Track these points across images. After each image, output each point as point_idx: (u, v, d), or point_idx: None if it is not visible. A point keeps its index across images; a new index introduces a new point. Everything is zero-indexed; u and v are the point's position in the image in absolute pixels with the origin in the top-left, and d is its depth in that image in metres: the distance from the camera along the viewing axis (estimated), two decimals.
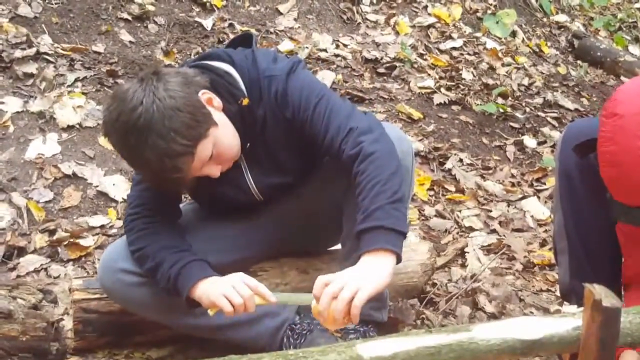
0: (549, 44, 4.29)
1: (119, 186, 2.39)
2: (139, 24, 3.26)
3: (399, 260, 1.37)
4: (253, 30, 3.37)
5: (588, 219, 1.56)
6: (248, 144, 1.56)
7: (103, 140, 2.57)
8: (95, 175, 2.42)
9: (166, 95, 1.37)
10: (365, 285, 1.31)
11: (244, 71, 1.54)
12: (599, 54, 4.11)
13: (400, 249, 1.36)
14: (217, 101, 1.49)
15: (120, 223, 2.26)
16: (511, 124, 3.37)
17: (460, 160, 2.96)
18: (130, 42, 3.14)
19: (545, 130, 3.34)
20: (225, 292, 1.42)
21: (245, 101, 1.52)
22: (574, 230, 1.59)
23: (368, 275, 1.32)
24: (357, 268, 1.35)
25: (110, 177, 2.44)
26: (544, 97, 3.64)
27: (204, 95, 1.46)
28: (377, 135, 1.46)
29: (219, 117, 1.48)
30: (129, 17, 3.22)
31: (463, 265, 2.29)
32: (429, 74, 3.56)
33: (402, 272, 1.90)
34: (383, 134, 1.48)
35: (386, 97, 3.28)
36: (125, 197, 2.33)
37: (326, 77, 3.23)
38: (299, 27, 3.60)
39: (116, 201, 2.35)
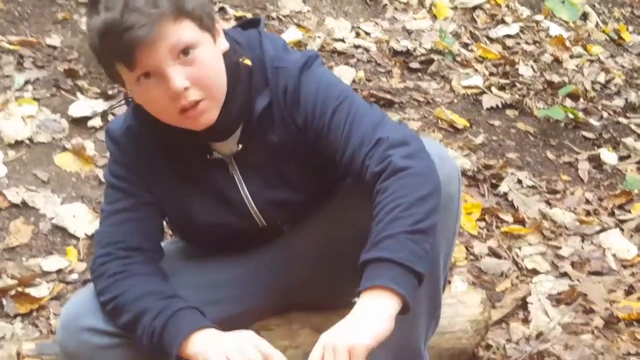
0: (630, 28, 4.36)
1: (81, 218, 2.41)
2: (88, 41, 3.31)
3: (405, 307, 1.37)
4: (249, 16, 3.42)
5: None
6: (240, 145, 1.58)
7: (60, 159, 2.60)
8: (50, 204, 2.44)
9: None
10: (357, 343, 1.34)
11: (246, 52, 1.57)
12: None
13: (408, 291, 1.36)
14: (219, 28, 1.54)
15: (82, 266, 2.27)
16: (584, 133, 3.41)
17: (519, 181, 2.98)
18: None
19: (629, 141, 3.37)
20: (230, 355, 1.43)
21: (247, 61, 1.55)
22: None
23: (360, 327, 1.35)
24: (349, 319, 1.38)
25: (69, 206, 2.46)
26: (626, 98, 3.69)
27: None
28: (412, 150, 1.48)
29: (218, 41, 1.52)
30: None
31: (525, 321, 2.30)
32: (476, 70, 3.60)
33: (447, 332, 1.90)
34: (421, 149, 1.49)
35: (421, 99, 3.34)
36: (91, 233, 2.37)
37: (344, 74, 3.29)
38: (308, 10, 3.66)
39: (77, 237, 2.37)
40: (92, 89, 2.88)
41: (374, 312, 1.36)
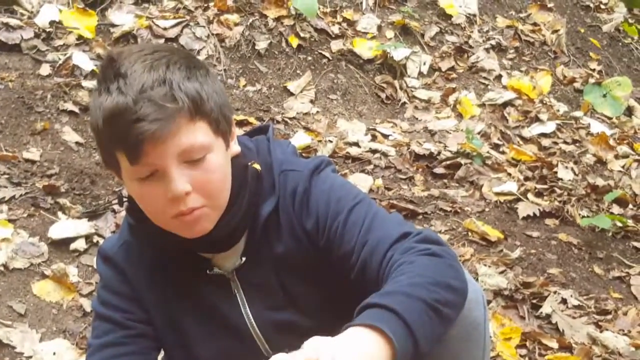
0: None
1: (63, 356, 2.47)
2: (89, 117, 3.39)
3: (393, 357, 1.37)
4: (253, 120, 3.62)
5: None
6: (243, 259, 1.67)
7: (39, 288, 2.71)
8: (28, 341, 2.50)
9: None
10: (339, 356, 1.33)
11: (255, 157, 1.68)
12: None
13: (401, 341, 1.37)
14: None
15: None
16: (635, 243, 3.48)
17: (563, 300, 3.05)
18: (77, 143, 3.38)
19: None
20: None
21: (256, 165, 1.65)
22: None
23: (342, 345, 1.35)
24: (327, 339, 1.38)
25: (49, 342, 2.53)
26: None
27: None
28: (447, 249, 1.55)
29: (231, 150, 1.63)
30: (75, 109, 3.48)
31: None
32: (510, 174, 3.74)
33: None
34: (454, 256, 1.56)
35: (448, 209, 3.45)
36: None
37: (360, 182, 3.43)
38: (317, 112, 3.85)
39: None
40: (74, 208, 3.00)
41: (355, 342, 1.35)
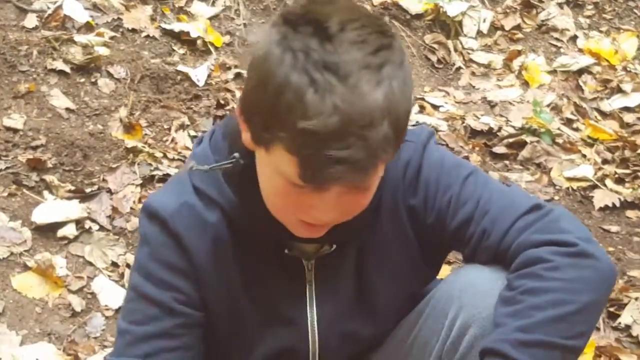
0: None
1: None
2: (82, 79, 3.51)
3: None
4: None
5: None
6: (334, 246, 1.70)
7: (20, 282, 2.68)
8: (6, 344, 2.50)
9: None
10: None
11: None
12: None
13: None
14: None
15: None
16: None
17: None
18: (67, 109, 3.37)
19: None
20: None
21: None
22: None
23: None
24: None
25: (32, 346, 2.52)
26: None
27: None
28: (589, 234, 1.67)
29: None
30: (66, 68, 3.49)
31: None
32: (584, 156, 3.72)
33: None
34: (595, 243, 1.68)
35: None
36: None
37: None
38: None
39: None
40: (63, 187, 2.98)
41: None
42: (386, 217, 1.72)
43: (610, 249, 3.27)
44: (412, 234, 1.75)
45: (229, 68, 3.69)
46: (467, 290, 1.71)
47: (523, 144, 3.64)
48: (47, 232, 2.85)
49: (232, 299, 1.72)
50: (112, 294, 2.74)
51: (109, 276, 2.79)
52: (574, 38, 4.27)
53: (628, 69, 4.20)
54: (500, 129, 3.70)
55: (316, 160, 1.45)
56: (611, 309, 2.99)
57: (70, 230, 2.85)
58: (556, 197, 3.48)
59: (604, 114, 3.95)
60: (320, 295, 1.75)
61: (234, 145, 1.63)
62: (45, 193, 2.97)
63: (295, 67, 1.43)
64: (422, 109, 3.76)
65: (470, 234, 1.69)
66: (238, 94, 3.47)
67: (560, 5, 4.44)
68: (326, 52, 1.43)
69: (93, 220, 2.89)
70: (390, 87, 1.44)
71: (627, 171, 3.63)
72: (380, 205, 1.70)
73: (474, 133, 3.68)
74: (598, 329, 2.93)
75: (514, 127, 3.71)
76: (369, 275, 1.76)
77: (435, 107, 3.79)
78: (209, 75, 3.62)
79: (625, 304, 2.99)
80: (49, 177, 3.00)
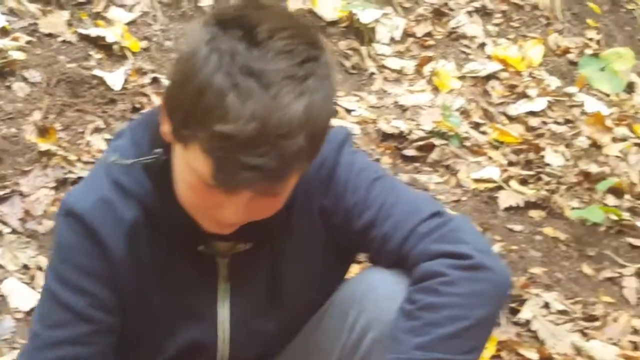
0: None
1: None
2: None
3: None
4: None
5: None
6: (249, 244, 1.71)
7: None
8: None
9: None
10: None
11: None
12: None
13: None
14: None
15: None
16: (631, 240, 3.54)
17: (546, 305, 3.11)
18: None
19: None
20: None
21: None
22: None
23: None
24: None
25: None
26: None
27: None
28: (485, 244, 1.72)
29: None
30: None
31: None
32: (491, 158, 3.80)
33: None
34: (492, 250, 1.77)
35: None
36: None
37: None
38: None
39: None
40: None
41: None
42: (300, 216, 1.75)
43: (514, 247, 3.36)
44: (325, 234, 1.78)
45: (146, 73, 3.70)
46: (369, 293, 1.74)
47: (432, 147, 3.70)
48: None
49: (146, 296, 1.72)
50: (22, 296, 2.73)
51: (20, 279, 2.78)
52: (482, 45, 4.36)
53: (533, 75, 4.30)
54: (410, 132, 3.76)
55: (229, 164, 1.46)
56: (512, 305, 3.06)
57: None
58: (463, 198, 3.55)
59: (510, 118, 4.04)
60: (234, 292, 1.76)
61: (156, 139, 1.62)
62: None
63: (220, 68, 1.44)
64: (336, 112, 3.79)
65: (372, 237, 1.73)
66: (154, 98, 3.49)
67: (469, 13, 4.52)
68: (252, 57, 1.43)
69: (5, 223, 2.88)
70: (311, 99, 1.46)
71: (531, 173, 3.72)
72: (295, 205, 1.71)
73: (385, 136, 3.73)
74: (500, 325, 2.99)
75: (424, 130, 3.77)
76: (283, 275, 1.78)
77: (349, 111, 3.84)
78: (125, 80, 3.63)
79: (526, 300, 3.07)
80: None
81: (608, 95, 4.31)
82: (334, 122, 3.63)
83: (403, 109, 3.93)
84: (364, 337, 1.72)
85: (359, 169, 1.76)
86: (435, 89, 4.08)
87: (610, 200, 3.68)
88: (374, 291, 1.74)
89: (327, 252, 1.80)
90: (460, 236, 1.70)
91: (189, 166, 1.52)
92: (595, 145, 3.98)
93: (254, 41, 1.43)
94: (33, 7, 3.76)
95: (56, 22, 3.78)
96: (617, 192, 3.72)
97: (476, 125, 3.93)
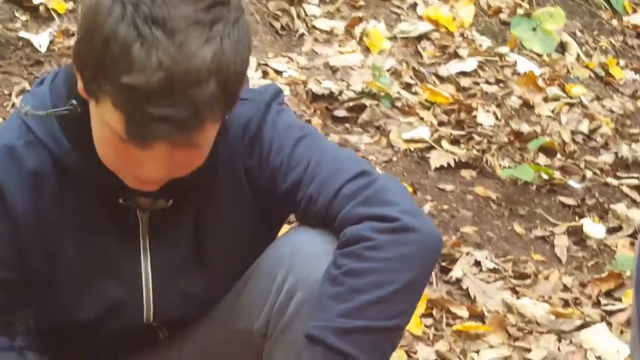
0: (622, 62, 4.76)
1: None
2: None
3: None
4: None
5: None
6: (171, 201, 1.69)
7: None
8: None
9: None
10: None
11: None
12: None
13: None
14: None
15: None
16: (562, 199, 3.64)
17: (477, 263, 3.18)
18: None
19: (619, 208, 3.59)
20: None
21: None
22: None
23: None
24: None
25: None
26: (616, 153, 3.95)
27: None
28: (412, 204, 1.72)
29: None
30: None
31: None
32: (422, 118, 3.82)
33: None
34: (419, 210, 1.76)
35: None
36: None
37: None
38: None
39: None
40: None
41: None
42: (225, 177, 1.76)
43: (445, 206, 3.42)
44: (251, 196, 1.78)
45: (72, 34, 3.66)
46: (297, 253, 1.76)
47: (363, 108, 3.75)
48: None
49: (58, 253, 1.71)
50: None
51: None
52: (413, 5, 4.38)
53: (465, 35, 4.34)
54: (341, 93, 3.80)
55: (139, 117, 1.45)
56: (443, 264, 3.14)
57: None
58: (394, 158, 3.59)
59: (442, 79, 4.08)
60: (155, 250, 1.76)
61: (73, 91, 1.61)
62: None
63: (124, 19, 1.42)
64: (265, 74, 3.82)
65: (299, 198, 1.74)
66: None
67: None
68: (156, 5, 1.42)
69: None
70: (220, 45, 1.45)
71: (462, 132, 3.78)
72: (218, 165, 1.72)
73: (315, 97, 3.76)
74: (431, 284, 3.05)
75: (354, 91, 3.81)
76: (207, 235, 1.79)
77: (279, 72, 3.86)
78: (51, 42, 3.62)
79: (457, 259, 3.15)
80: None
81: (540, 56, 4.38)
82: (262, 84, 3.70)
83: (333, 69, 3.96)
84: (292, 298, 1.74)
85: (284, 128, 1.77)
86: (366, 50, 4.10)
87: (542, 159, 3.77)
88: (301, 250, 1.76)
89: (255, 214, 1.81)
90: (387, 197, 1.71)
91: (103, 122, 1.52)
92: (527, 105, 4.06)
93: None
94: None
95: None
96: (548, 151, 3.81)
97: (407, 86, 3.97)
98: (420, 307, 2.90)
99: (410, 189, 3.43)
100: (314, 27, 4.15)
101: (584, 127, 4.02)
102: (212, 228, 1.78)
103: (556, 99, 4.14)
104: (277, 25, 4.09)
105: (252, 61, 3.88)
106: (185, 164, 1.58)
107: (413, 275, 1.67)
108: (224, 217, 1.79)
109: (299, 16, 4.15)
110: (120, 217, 1.71)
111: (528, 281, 3.14)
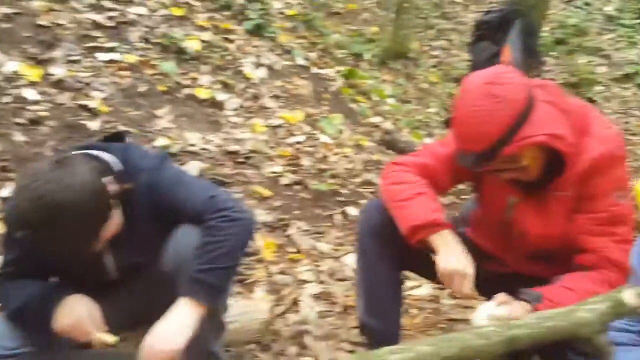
0: (367, 138, 6.56)
1: None
2: (32, 127, 4.72)
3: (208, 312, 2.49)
4: (134, 130, 5.09)
5: (378, 279, 3.13)
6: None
7: None
8: None
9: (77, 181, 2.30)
10: (174, 347, 2.45)
11: (119, 161, 2.58)
12: (402, 145, 6.68)
13: (212, 304, 2.53)
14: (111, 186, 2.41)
15: None
16: (338, 198, 5.32)
17: (299, 227, 4.78)
18: (24, 142, 4.58)
19: (364, 202, 5.00)
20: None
21: (128, 186, 2.53)
22: (365, 282, 3.15)
23: (174, 332, 2.44)
24: (165, 325, 2.44)
25: None
26: (363, 178, 5.66)
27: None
28: (238, 207, 2.55)
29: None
30: (25, 121, 4.75)
31: (297, 311, 3.88)
32: (277, 162, 5.34)
33: (245, 329, 3.56)
34: (242, 208, 2.58)
35: (244, 180, 5.15)
36: None
37: (195, 166, 4.98)
38: (174, 127, 5.35)
39: None
40: None
41: (184, 319, 2.47)
42: (140, 213, 2.57)
43: (286, 202, 5.04)
44: (159, 212, 2.63)
45: (109, 122, 4.98)
46: (183, 235, 2.65)
47: (250, 157, 5.33)
48: None
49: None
50: None
51: None
52: (275, 112, 6.03)
53: (298, 125, 5.99)
54: (240, 151, 5.44)
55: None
56: (284, 228, 4.70)
57: None
58: (264, 180, 5.10)
59: (287, 145, 5.64)
60: (114, 248, 2.63)
61: None
62: None
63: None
64: (205, 142, 5.32)
65: (181, 218, 2.58)
66: None
67: None
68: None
69: None
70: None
71: (295, 169, 5.48)
72: (135, 207, 2.49)
73: (228, 152, 5.36)
74: (278, 237, 4.58)
75: (247, 149, 5.46)
76: (140, 234, 2.66)
77: (211, 141, 5.35)
78: (99, 126, 4.91)
79: (290, 225, 4.85)
80: (9, 174, 4.20)
81: (332, 135, 6.04)
82: None
83: (237, 140, 5.49)
84: (182, 256, 2.61)
85: (175, 181, 2.63)
86: (253, 131, 5.67)
87: (331, 180, 5.45)
88: (184, 233, 2.61)
89: (167, 218, 2.61)
90: (227, 205, 2.50)
91: None
92: (325, 157, 5.74)
93: None
94: None
95: None
96: (334, 176, 5.53)
97: (271, 148, 5.53)
98: (272, 248, 4.44)
99: (271, 194, 4.92)
100: (229, 120, 5.64)
101: (350, 166, 5.71)
102: (142, 230, 2.62)
103: (338, 154, 5.80)
104: (211, 119, 5.58)
105: (199, 135, 5.29)
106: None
107: (238, 243, 2.55)
108: (145, 221, 2.59)
109: (222, 115, 5.60)
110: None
111: (322, 235, 4.87)
